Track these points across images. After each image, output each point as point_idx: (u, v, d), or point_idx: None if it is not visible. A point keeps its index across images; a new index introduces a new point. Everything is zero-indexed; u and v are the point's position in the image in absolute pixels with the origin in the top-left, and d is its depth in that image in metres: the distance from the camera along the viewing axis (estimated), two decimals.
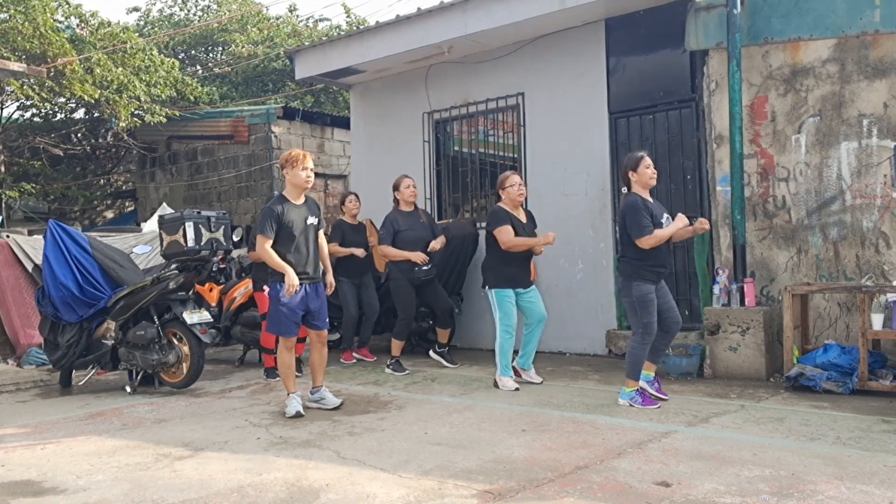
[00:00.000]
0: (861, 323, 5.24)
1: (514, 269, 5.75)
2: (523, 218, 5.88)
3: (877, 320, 5.26)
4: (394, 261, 6.70)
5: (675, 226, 4.99)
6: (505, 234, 5.67)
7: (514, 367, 5.95)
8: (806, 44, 6.02)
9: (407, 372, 6.60)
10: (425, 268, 6.62)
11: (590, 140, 7.35)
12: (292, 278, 4.88)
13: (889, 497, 3.16)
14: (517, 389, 5.63)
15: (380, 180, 8.80)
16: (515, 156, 8.04)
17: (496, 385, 5.78)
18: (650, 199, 5.05)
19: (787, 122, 6.12)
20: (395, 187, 6.84)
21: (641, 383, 5.16)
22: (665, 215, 5.07)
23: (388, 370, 6.65)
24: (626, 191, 5.17)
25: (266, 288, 5.12)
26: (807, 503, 3.12)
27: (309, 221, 5.12)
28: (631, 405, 4.95)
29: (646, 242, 4.86)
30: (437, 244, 6.73)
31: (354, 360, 7.42)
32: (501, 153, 8.32)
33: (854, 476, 3.44)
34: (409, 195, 6.78)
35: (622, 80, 7.19)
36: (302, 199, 5.16)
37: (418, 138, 8.70)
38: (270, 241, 4.96)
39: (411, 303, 6.71)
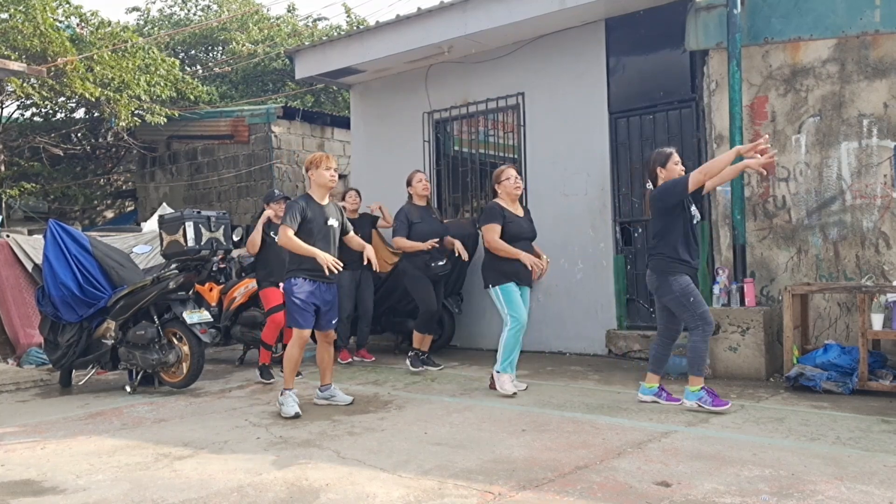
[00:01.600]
0: (861, 323, 5.23)
1: (517, 265, 5.48)
2: (520, 213, 5.70)
3: (877, 320, 5.26)
4: (409, 254, 6.66)
5: (731, 154, 4.67)
6: (490, 233, 5.48)
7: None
8: (806, 44, 6.02)
9: (421, 369, 6.57)
10: (441, 262, 6.60)
11: (590, 140, 7.35)
12: (323, 257, 4.91)
13: (889, 497, 3.16)
14: (514, 395, 5.43)
15: (380, 180, 8.82)
16: (515, 156, 8.03)
17: (492, 386, 5.61)
18: None
19: (787, 122, 6.12)
20: (408, 182, 6.86)
21: (647, 397, 5.06)
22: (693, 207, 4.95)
23: (407, 361, 6.66)
24: (650, 187, 5.00)
25: (282, 284, 5.16)
26: (807, 503, 3.12)
27: (329, 222, 5.20)
28: (700, 406, 4.75)
29: (695, 177, 4.62)
30: (458, 246, 6.73)
31: (351, 360, 7.40)
32: (501, 153, 8.31)
33: (854, 476, 3.44)
34: (421, 189, 6.79)
35: (622, 79, 7.19)
36: (326, 200, 5.25)
37: (418, 138, 8.71)
38: (292, 231, 5.02)
39: (430, 295, 6.64)
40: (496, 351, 5.66)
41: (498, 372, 5.58)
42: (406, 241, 6.61)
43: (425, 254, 6.56)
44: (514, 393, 5.47)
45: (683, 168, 4.96)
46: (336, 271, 4.97)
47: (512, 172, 5.67)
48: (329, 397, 5.40)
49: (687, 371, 4.90)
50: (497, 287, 5.55)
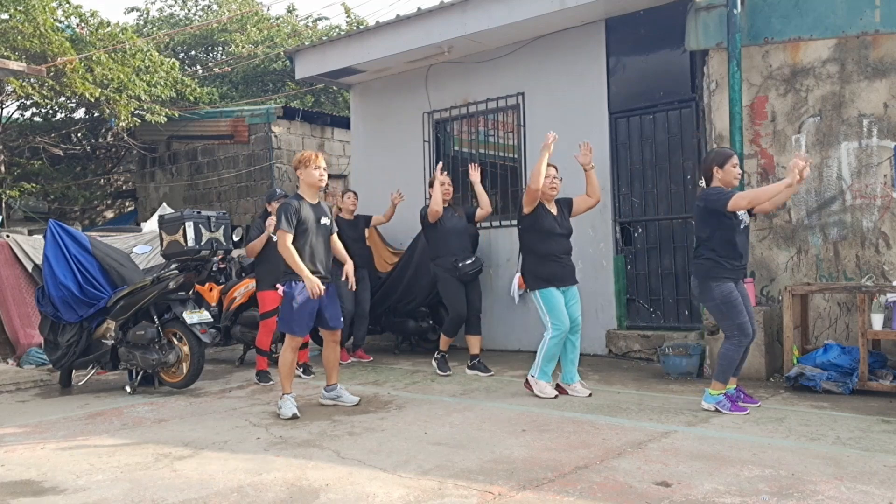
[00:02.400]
0: (861, 323, 5.23)
1: (553, 266, 5.40)
2: (555, 211, 5.57)
3: (877, 320, 5.26)
4: (438, 256, 6.56)
5: (783, 183, 4.54)
6: (527, 192, 5.41)
7: (557, 385, 5.57)
8: (806, 44, 6.02)
9: (449, 373, 6.46)
10: (469, 261, 6.54)
11: (589, 140, 7.31)
12: (312, 281, 4.92)
13: (889, 497, 3.16)
14: (556, 397, 5.30)
15: (380, 180, 8.81)
16: (515, 156, 8.03)
17: (528, 388, 5.42)
18: None
19: (787, 122, 6.12)
20: (430, 184, 6.83)
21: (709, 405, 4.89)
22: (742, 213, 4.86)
23: (433, 363, 6.58)
24: (703, 185, 4.94)
25: (279, 287, 5.13)
26: (807, 503, 3.12)
27: (322, 221, 5.18)
28: (718, 409, 4.71)
29: (738, 201, 4.59)
30: (475, 173, 6.59)
31: (350, 361, 7.39)
32: (501, 153, 8.31)
33: (854, 476, 3.44)
34: (442, 193, 6.74)
35: (622, 80, 7.19)
36: (316, 200, 5.23)
37: (418, 138, 8.70)
38: (291, 236, 4.99)
39: (461, 299, 6.53)
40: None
41: (533, 377, 5.43)
42: (431, 205, 6.53)
43: (451, 255, 6.50)
44: (556, 395, 5.34)
45: (740, 172, 4.88)
46: (321, 292, 4.95)
47: (550, 171, 5.52)
48: (335, 397, 5.37)
49: (712, 375, 4.86)
50: (537, 291, 5.40)
